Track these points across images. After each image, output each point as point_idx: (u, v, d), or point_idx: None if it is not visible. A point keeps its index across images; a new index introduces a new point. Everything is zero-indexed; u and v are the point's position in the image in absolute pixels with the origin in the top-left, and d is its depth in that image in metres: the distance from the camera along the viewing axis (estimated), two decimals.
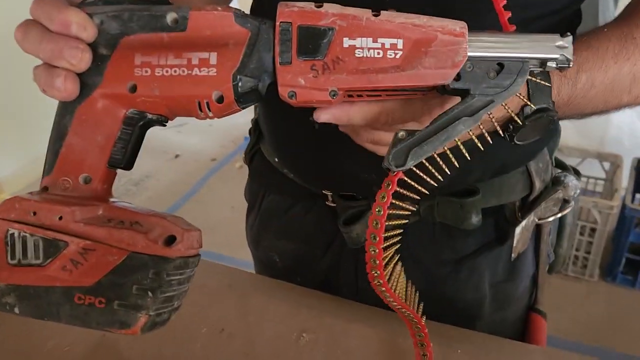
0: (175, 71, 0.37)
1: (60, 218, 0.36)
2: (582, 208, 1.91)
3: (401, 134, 0.38)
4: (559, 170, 0.73)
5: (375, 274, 0.42)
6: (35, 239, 0.35)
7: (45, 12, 0.37)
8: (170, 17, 0.38)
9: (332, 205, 0.69)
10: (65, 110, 0.39)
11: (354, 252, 0.71)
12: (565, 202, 0.71)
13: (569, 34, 0.39)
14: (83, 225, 0.36)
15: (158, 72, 0.37)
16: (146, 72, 0.37)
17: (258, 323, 0.62)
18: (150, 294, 0.34)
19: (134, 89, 0.38)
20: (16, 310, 0.36)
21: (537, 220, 0.69)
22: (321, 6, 0.38)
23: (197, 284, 0.68)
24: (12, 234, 0.36)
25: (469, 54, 0.37)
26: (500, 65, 0.38)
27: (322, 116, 0.42)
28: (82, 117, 0.38)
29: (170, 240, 0.35)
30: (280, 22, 0.38)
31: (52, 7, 0.37)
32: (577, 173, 0.76)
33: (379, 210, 0.40)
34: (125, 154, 0.39)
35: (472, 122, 0.38)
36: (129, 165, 0.40)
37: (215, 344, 0.59)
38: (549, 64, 0.39)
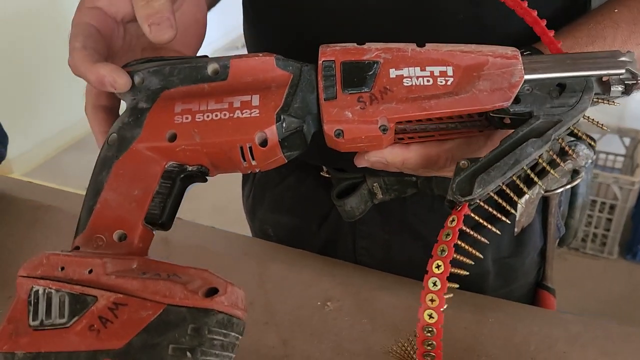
0: (216, 115, 0.36)
1: (90, 271, 0.32)
2: (600, 184, 1.87)
3: (463, 162, 0.36)
4: (571, 139, 0.69)
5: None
6: (61, 294, 0.31)
7: (79, 74, 0.38)
8: (212, 67, 0.37)
9: (327, 176, 0.66)
10: (103, 165, 0.36)
11: (351, 225, 0.68)
12: (575, 172, 0.66)
13: (630, 50, 0.37)
14: (115, 277, 0.32)
15: (199, 118, 0.36)
16: (186, 118, 0.36)
17: (278, 291, 0.59)
18: (189, 354, 0.30)
19: (173, 137, 0.36)
20: None
21: (543, 192, 0.66)
22: (364, 44, 0.37)
23: (212, 252, 0.65)
24: (37, 291, 0.32)
25: (526, 76, 0.36)
26: (561, 85, 0.36)
27: (372, 158, 0.39)
28: (119, 172, 0.36)
29: (212, 292, 0.31)
30: (323, 60, 0.36)
31: (81, 67, 0.37)
32: (591, 141, 0.72)
33: (442, 250, 0.36)
34: (164, 209, 0.36)
35: (541, 143, 0.35)
36: (168, 222, 0.37)
37: None
38: (613, 87, 0.37)
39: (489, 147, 0.41)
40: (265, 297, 0.58)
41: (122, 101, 0.41)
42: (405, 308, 0.56)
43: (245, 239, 0.71)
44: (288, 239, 0.71)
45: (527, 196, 0.62)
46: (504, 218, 0.39)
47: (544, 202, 0.68)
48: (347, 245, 0.70)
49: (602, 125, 0.40)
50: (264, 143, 0.36)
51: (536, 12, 0.40)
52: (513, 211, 0.40)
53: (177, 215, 0.39)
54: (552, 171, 0.39)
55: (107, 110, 0.41)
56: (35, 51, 2.52)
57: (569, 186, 0.66)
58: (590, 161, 0.67)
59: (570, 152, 0.40)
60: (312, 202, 0.71)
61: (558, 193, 0.67)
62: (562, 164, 0.37)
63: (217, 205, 1.95)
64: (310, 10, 0.55)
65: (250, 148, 0.36)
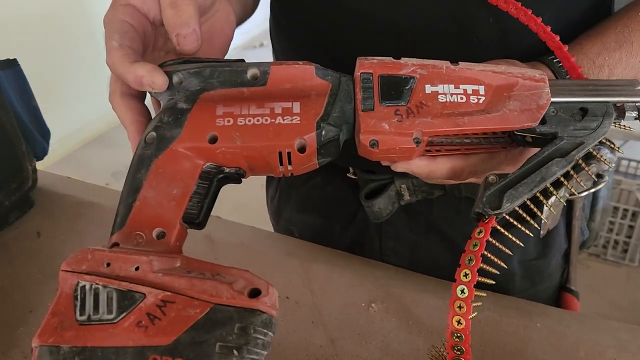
0: (258, 120, 0.36)
1: (137, 269, 0.32)
2: (622, 191, 1.86)
3: (492, 177, 0.38)
4: None
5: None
6: (109, 290, 0.32)
7: (117, 73, 0.38)
8: (251, 72, 0.37)
9: (354, 177, 0.67)
10: (142, 163, 0.37)
11: (377, 226, 0.68)
12: (599, 176, 0.67)
13: None
14: (162, 275, 0.32)
15: (240, 122, 0.36)
16: (228, 121, 0.36)
17: (324, 291, 0.59)
18: (235, 352, 0.30)
19: (214, 139, 0.36)
20: None
21: (568, 195, 0.66)
22: (400, 58, 0.38)
23: (256, 251, 0.66)
24: (83, 287, 0.32)
25: (552, 99, 0.38)
26: (583, 109, 0.39)
27: (399, 168, 0.41)
28: (158, 170, 0.36)
29: (255, 293, 0.32)
30: (361, 72, 0.38)
31: (119, 68, 0.37)
32: (613, 145, 0.73)
33: (470, 260, 0.38)
34: (201, 209, 0.37)
35: (565, 163, 0.38)
36: (203, 221, 0.38)
37: (283, 312, 0.56)
38: (628, 112, 0.40)
39: (509, 162, 0.43)
40: (312, 297, 0.59)
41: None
42: None
43: (287, 239, 0.71)
44: (313, 239, 0.71)
45: (553, 199, 0.63)
46: (531, 220, 0.41)
47: (569, 206, 0.69)
48: (373, 245, 0.70)
49: (629, 127, 0.42)
50: (302, 149, 0.37)
51: (549, 28, 0.42)
52: (540, 214, 0.41)
53: (216, 214, 0.39)
54: (576, 176, 0.41)
55: (136, 98, 0.41)
56: (58, 47, 2.55)
57: (593, 190, 0.67)
58: (613, 165, 0.68)
59: (596, 155, 0.41)
60: (338, 202, 0.72)
61: (582, 196, 0.68)
62: (586, 168, 0.39)
63: (238, 203, 1.96)
64: (343, 25, 0.55)
65: (289, 153, 0.37)
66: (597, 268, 1.87)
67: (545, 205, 0.43)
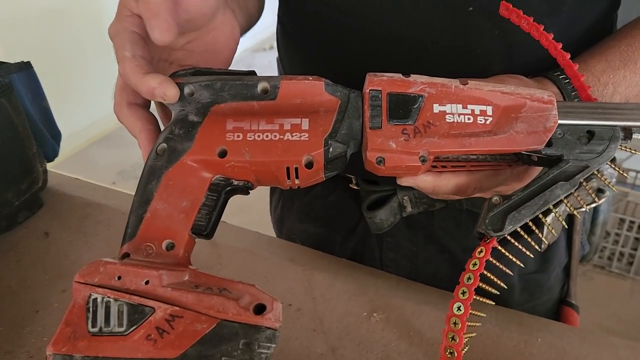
0: (267, 136, 0.37)
1: (147, 282, 0.33)
2: (629, 202, 1.85)
3: (495, 199, 0.39)
4: None
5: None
6: (120, 304, 0.33)
7: (130, 84, 0.39)
8: (262, 86, 0.38)
9: (356, 188, 0.67)
10: (152, 175, 0.38)
11: (378, 237, 0.68)
12: (599, 191, 0.68)
13: None
14: (170, 290, 0.33)
15: (250, 137, 0.37)
16: (238, 136, 0.37)
17: (325, 300, 0.60)
18: None
19: (223, 154, 0.37)
20: None
21: (569, 209, 0.67)
22: (409, 76, 0.39)
23: (260, 257, 0.67)
24: (95, 299, 0.33)
25: (559, 122, 0.38)
26: (590, 132, 0.39)
27: (405, 183, 0.42)
28: (169, 183, 0.37)
29: (260, 309, 0.33)
30: (370, 89, 0.38)
31: (133, 78, 0.38)
32: (612, 161, 0.73)
33: (468, 279, 0.39)
34: (210, 220, 0.38)
35: (569, 186, 0.38)
36: (211, 232, 0.39)
37: (284, 319, 0.57)
38: (635, 135, 0.40)
39: (514, 178, 0.44)
40: (313, 305, 0.59)
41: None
42: None
43: (290, 245, 0.72)
44: (315, 248, 0.72)
45: (552, 216, 0.63)
46: (528, 238, 0.42)
47: (569, 220, 0.69)
48: (374, 256, 0.71)
49: (635, 150, 0.42)
50: (309, 165, 0.37)
51: (561, 45, 0.42)
52: (538, 232, 0.42)
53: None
54: (576, 194, 0.41)
55: (143, 107, 0.42)
56: (67, 46, 2.57)
57: (594, 205, 0.67)
58: (614, 180, 0.68)
59: (596, 173, 0.42)
60: (340, 213, 0.72)
61: (583, 211, 0.68)
62: (586, 186, 0.39)
63: (242, 205, 1.97)
64: (348, 34, 0.56)
65: (297, 169, 0.37)
66: (601, 280, 1.87)
67: (544, 224, 0.43)
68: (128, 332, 0.32)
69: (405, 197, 0.64)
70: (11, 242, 0.69)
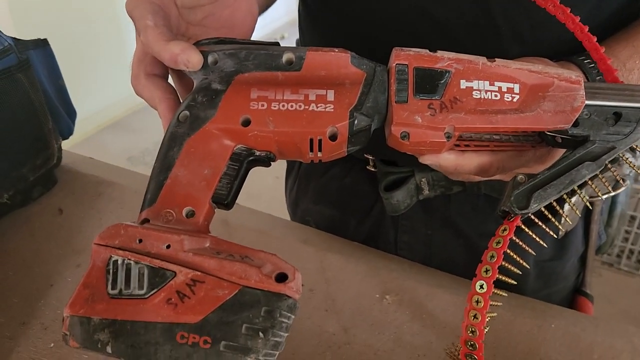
0: (291, 106, 0.37)
1: (168, 247, 0.33)
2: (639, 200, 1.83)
3: (520, 177, 0.39)
4: None
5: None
6: (140, 267, 0.32)
7: (153, 52, 0.39)
8: (286, 57, 0.38)
9: (372, 170, 0.67)
10: (174, 141, 0.37)
11: (393, 220, 0.68)
12: (618, 181, 0.67)
13: None
14: (192, 255, 0.33)
15: (274, 106, 0.37)
16: (262, 105, 0.37)
17: (338, 281, 0.60)
18: (261, 334, 0.31)
19: (247, 122, 0.37)
20: (109, 349, 0.32)
21: (588, 197, 0.66)
22: (435, 52, 0.38)
23: (272, 237, 0.67)
24: (116, 261, 0.33)
25: (587, 102, 0.38)
26: (617, 114, 0.38)
27: (427, 161, 0.41)
28: (190, 150, 0.37)
29: (282, 278, 0.33)
30: (397, 63, 0.38)
31: (155, 46, 0.38)
32: (632, 150, 0.73)
33: (492, 257, 0.38)
34: (231, 190, 0.38)
35: (595, 167, 0.38)
36: (231, 202, 0.38)
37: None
38: None
39: (537, 160, 0.43)
40: (326, 285, 0.59)
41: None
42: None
43: (303, 228, 0.72)
44: (329, 230, 0.72)
45: (576, 198, 0.63)
46: (553, 219, 0.41)
47: (587, 208, 0.69)
48: (388, 239, 0.70)
49: None
50: (334, 137, 0.37)
51: (587, 29, 0.42)
52: (562, 212, 0.41)
53: None
54: (602, 177, 0.41)
55: (161, 78, 0.42)
56: (80, 30, 2.57)
57: (613, 193, 0.67)
58: (632, 171, 0.68)
59: (622, 158, 0.41)
60: (355, 195, 0.72)
61: (603, 199, 0.68)
62: (612, 169, 0.39)
63: (251, 193, 1.97)
64: (373, 15, 0.55)
65: (320, 141, 0.37)
66: (610, 277, 1.85)
67: (567, 204, 0.43)
68: (148, 295, 0.32)
69: (423, 179, 0.64)
70: (26, 217, 0.69)
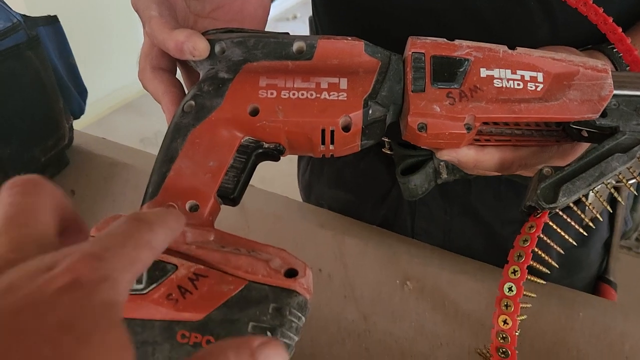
0: (302, 94, 0.35)
1: None
2: None
3: (546, 170, 0.37)
4: None
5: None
6: None
7: (158, 42, 0.37)
8: (297, 45, 0.36)
9: (389, 153, 0.64)
10: (178, 133, 0.35)
11: (410, 205, 0.66)
12: None
13: None
14: (195, 248, 0.30)
15: (284, 95, 0.34)
16: (271, 94, 0.34)
17: (357, 266, 0.58)
18: (269, 333, 0.28)
19: (255, 112, 0.34)
20: None
21: (614, 182, 0.64)
22: (453, 40, 0.36)
23: (289, 221, 0.65)
24: None
25: (615, 91, 0.36)
26: None
27: (445, 156, 0.38)
28: (195, 141, 0.34)
29: (292, 273, 0.30)
30: (413, 52, 0.35)
31: (159, 34, 0.36)
32: None
33: (519, 256, 0.37)
34: (237, 184, 0.35)
35: (626, 158, 0.36)
36: (238, 197, 0.35)
37: (315, 284, 0.55)
38: None
39: (560, 156, 0.41)
40: (344, 271, 0.57)
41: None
42: (490, 295, 0.54)
43: (320, 211, 0.70)
44: (344, 215, 0.70)
45: (600, 186, 0.61)
46: (574, 207, 0.40)
47: (612, 194, 0.66)
48: (405, 224, 0.68)
49: None
50: (347, 128, 0.35)
51: (611, 19, 0.40)
52: (586, 202, 0.40)
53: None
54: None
55: (168, 71, 0.40)
56: (93, 11, 2.55)
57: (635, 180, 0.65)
58: None
59: None
60: (371, 179, 0.70)
61: (630, 184, 0.66)
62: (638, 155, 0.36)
63: (265, 177, 1.96)
64: (389, 4, 0.52)
65: (332, 132, 0.35)
66: (629, 262, 1.82)
67: (592, 192, 0.41)
68: (147, 290, 0.29)
69: (441, 163, 0.61)
70: None
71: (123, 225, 0.21)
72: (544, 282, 0.39)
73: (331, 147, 0.36)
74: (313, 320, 0.51)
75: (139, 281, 0.29)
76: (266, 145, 0.36)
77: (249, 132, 0.35)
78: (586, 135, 0.37)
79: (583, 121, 0.36)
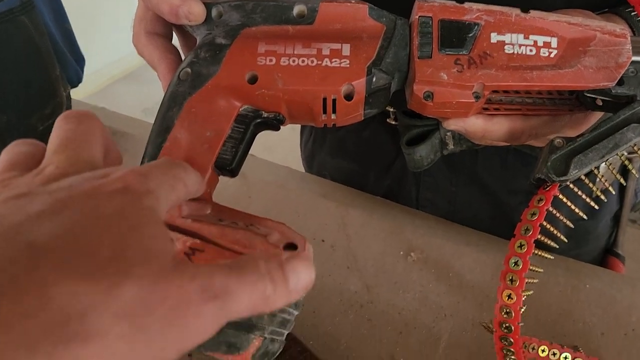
0: (303, 61, 0.33)
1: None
2: None
3: (558, 141, 0.35)
4: None
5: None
6: None
7: (152, 6, 0.36)
8: (298, 9, 0.34)
9: (394, 123, 0.63)
10: (174, 101, 0.33)
11: (415, 176, 0.65)
12: None
13: None
14: (191, 221, 0.29)
15: (284, 62, 0.33)
16: (270, 61, 0.33)
17: (360, 237, 0.57)
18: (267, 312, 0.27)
19: (254, 79, 0.33)
20: None
21: (626, 153, 0.62)
22: (463, 2, 0.34)
23: (291, 191, 0.64)
24: None
25: (633, 58, 0.34)
26: None
27: (452, 126, 0.37)
28: (191, 110, 0.33)
29: (291, 248, 0.29)
30: (420, 15, 0.33)
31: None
32: None
33: (526, 230, 0.35)
34: (235, 155, 0.34)
35: None
36: (236, 168, 0.34)
37: (317, 254, 0.55)
38: None
39: (572, 125, 0.39)
40: (347, 242, 0.57)
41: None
42: (495, 266, 0.53)
43: (323, 181, 0.68)
44: (347, 185, 0.68)
45: (605, 166, 0.59)
46: (586, 180, 0.39)
47: (624, 166, 0.65)
48: (409, 195, 0.67)
49: None
50: (349, 96, 0.33)
51: None
52: (597, 173, 0.38)
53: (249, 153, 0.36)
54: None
55: (163, 37, 0.38)
56: None
57: None
58: None
59: None
60: (375, 148, 0.68)
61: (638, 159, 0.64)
62: None
63: (267, 145, 1.94)
64: None
65: (334, 100, 0.33)
66: (636, 234, 1.81)
67: (604, 163, 0.39)
68: None
69: (448, 133, 0.60)
70: None
71: (163, 161, 0.25)
72: (552, 257, 0.38)
73: (333, 116, 0.34)
74: (315, 291, 0.51)
75: None
76: (265, 115, 0.34)
77: (247, 100, 0.34)
78: (601, 104, 0.35)
79: (598, 89, 0.34)
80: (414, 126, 0.62)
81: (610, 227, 0.69)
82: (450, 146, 0.61)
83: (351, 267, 0.54)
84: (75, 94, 0.74)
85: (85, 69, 0.78)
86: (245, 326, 0.27)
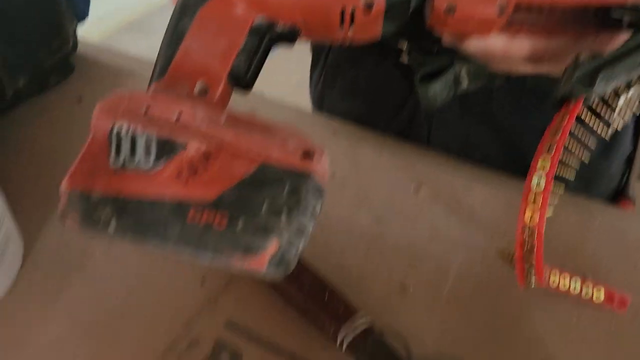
0: None
1: (179, 116, 0.28)
2: None
3: (583, 56, 0.34)
4: None
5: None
6: (147, 136, 0.27)
7: None
8: None
9: (406, 63, 0.61)
10: (185, 12, 0.32)
11: (427, 115, 0.64)
12: None
13: None
14: (205, 127, 0.28)
15: None
16: None
17: (370, 173, 0.57)
18: (284, 214, 0.26)
19: None
20: (111, 226, 0.27)
21: None
22: None
23: (302, 128, 0.63)
24: (119, 131, 0.27)
25: None
26: None
27: (472, 45, 0.35)
28: (203, 20, 0.32)
29: (308, 155, 0.28)
30: None
31: None
32: None
33: (550, 147, 0.34)
34: (250, 67, 0.32)
35: None
36: (251, 81, 0.33)
37: (328, 188, 0.55)
38: None
39: (597, 47, 0.38)
40: (357, 177, 0.56)
41: None
42: (507, 201, 0.53)
43: (333, 121, 0.68)
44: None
45: (632, 91, 0.58)
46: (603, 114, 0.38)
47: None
48: (421, 134, 0.67)
49: None
50: (369, 6, 0.32)
51: None
52: (614, 106, 0.38)
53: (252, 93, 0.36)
54: None
55: None
56: None
57: None
58: None
59: None
60: (386, 89, 0.67)
61: None
62: None
63: (274, 90, 1.93)
64: None
65: (353, 12, 0.32)
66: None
67: (624, 96, 0.38)
68: (155, 168, 0.28)
69: (463, 69, 0.58)
70: (44, 105, 0.66)
71: None
72: (568, 181, 0.37)
73: (350, 31, 0.33)
74: (325, 224, 0.51)
75: (147, 160, 0.28)
76: (279, 28, 0.33)
77: (261, 9, 0.33)
78: (629, 21, 0.34)
79: (628, 7, 0.33)
80: (428, 63, 0.60)
81: (622, 170, 0.68)
82: (465, 83, 0.60)
83: (362, 202, 0.54)
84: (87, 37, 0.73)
85: (96, 10, 0.76)
86: (261, 228, 0.26)
